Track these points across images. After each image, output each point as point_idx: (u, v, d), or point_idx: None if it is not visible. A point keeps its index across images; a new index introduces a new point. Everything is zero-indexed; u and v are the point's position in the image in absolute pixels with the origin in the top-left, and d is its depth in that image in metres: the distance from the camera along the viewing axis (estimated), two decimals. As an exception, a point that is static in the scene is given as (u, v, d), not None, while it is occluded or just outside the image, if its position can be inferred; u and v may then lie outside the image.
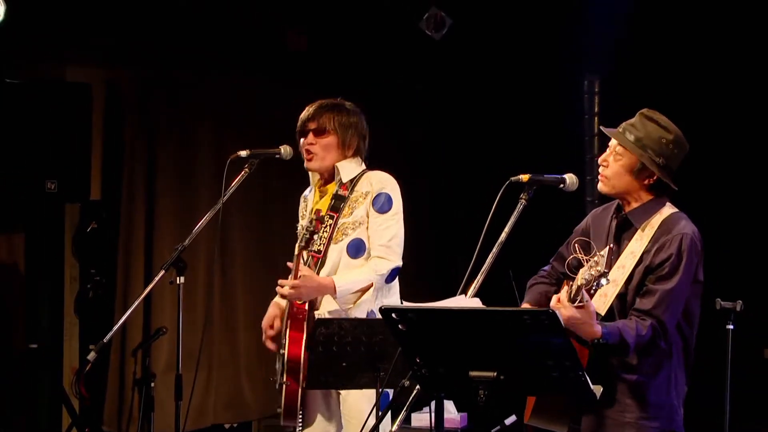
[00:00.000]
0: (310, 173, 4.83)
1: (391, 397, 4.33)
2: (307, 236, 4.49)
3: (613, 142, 3.89)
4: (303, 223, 4.79)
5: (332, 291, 4.53)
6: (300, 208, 4.90)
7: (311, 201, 4.80)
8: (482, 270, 3.78)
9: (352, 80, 7.36)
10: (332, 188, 4.72)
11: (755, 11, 6.48)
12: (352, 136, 4.71)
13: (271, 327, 4.71)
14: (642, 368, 3.75)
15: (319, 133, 4.68)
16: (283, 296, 4.56)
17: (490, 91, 7.65)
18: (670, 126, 3.85)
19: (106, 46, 7.25)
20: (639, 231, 3.82)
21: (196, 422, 7.33)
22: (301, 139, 4.74)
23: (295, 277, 4.49)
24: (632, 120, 3.88)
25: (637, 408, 3.75)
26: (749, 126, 6.67)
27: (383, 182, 4.67)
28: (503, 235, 3.82)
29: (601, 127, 3.98)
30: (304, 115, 4.75)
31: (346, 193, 4.66)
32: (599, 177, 3.91)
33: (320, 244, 4.65)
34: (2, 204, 6.80)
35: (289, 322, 4.57)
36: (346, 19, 7.37)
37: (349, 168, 4.70)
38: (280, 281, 4.51)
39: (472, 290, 3.77)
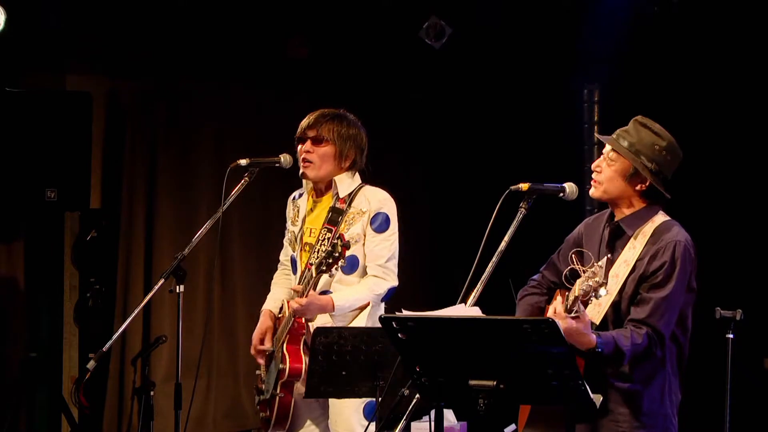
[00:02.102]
0: (304, 179, 4.83)
1: (375, 405, 4.35)
2: (330, 261, 4.37)
3: (606, 148, 3.91)
4: (293, 228, 4.78)
5: (331, 309, 4.55)
6: (289, 209, 4.89)
7: (303, 208, 4.79)
8: (482, 279, 3.78)
9: (351, 89, 7.37)
10: (327, 201, 4.72)
11: (755, 17, 6.48)
12: (350, 148, 4.70)
13: (262, 341, 4.73)
14: (636, 377, 3.75)
15: (318, 141, 4.68)
16: (293, 309, 4.55)
17: (489, 100, 7.65)
18: (664, 133, 3.86)
19: (106, 55, 7.27)
20: (632, 239, 3.82)
21: (196, 431, 7.32)
22: (299, 146, 4.75)
23: (306, 295, 4.50)
24: (626, 127, 3.91)
25: (632, 417, 3.75)
26: (749, 135, 6.67)
27: (382, 202, 4.66)
28: (503, 244, 3.83)
29: (596, 135, 4.00)
30: (304, 122, 4.75)
31: (344, 206, 4.66)
32: (592, 182, 3.91)
33: (317, 256, 4.66)
34: (2, 212, 6.80)
35: (287, 336, 4.59)
36: (346, 28, 7.39)
37: (346, 182, 4.71)
38: (296, 299, 4.52)
39: (471, 299, 3.77)
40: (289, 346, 4.58)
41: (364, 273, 4.65)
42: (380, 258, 4.59)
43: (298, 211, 4.81)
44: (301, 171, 4.73)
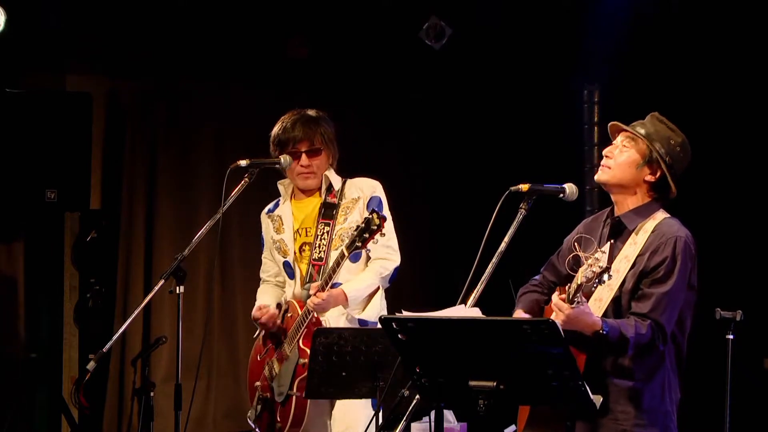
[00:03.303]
0: (281, 187, 4.87)
1: (377, 402, 4.35)
2: (366, 236, 4.37)
3: (619, 138, 3.91)
4: (279, 237, 4.80)
5: (344, 301, 4.58)
6: (266, 224, 4.92)
7: (288, 214, 4.81)
8: (482, 279, 3.78)
9: (351, 89, 7.38)
10: (315, 199, 4.77)
11: (755, 17, 6.48)
12: (335, 147, 4.84)
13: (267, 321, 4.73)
14: (636, 374, 3.75)
15: (314, 153, 4.76)
16: (314, 306, 4.55)
17: (489, 101, 7.65)
18: (678, 131, 3.91)
19: (106, 55, 7.27)
20: (633, 235, 3.83)
21: (196, 432, 7.33)
22: (285, 156, 4.75)
23: (323, 288, 4.52)
24: (642, 120, 3.92)
25: (633, 415, 3.75)
26: (749, 135, 6.66)
27: (374, 186, 4.77)
28: (503, 245, 3.83)
29: (611, 123, 3.98)
30: (290, 134, 4.76)
31: (335, 200, 4.71)
32: (600, 167, 3.90)
33: (320, 251, 4.67)
34: (2, 213, 6.80)
35: (305, 331, 4.59)
36: (346, 28, 7.39)
37: (334, 177, 4.82)
38: (317, 294, 4.52)
39: (471, 300, 3.77)
40: (305, 341, 4.58)
41: (368, 259, 4.71)
42: (381, 239, 4.60)
43: (281, 219, 4.84)
44: (301, 182, 4.79)
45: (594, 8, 6.82)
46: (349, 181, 4.80)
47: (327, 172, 4.79)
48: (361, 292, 4.65)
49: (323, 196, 4.77)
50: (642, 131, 3.87)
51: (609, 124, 3.99)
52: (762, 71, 6.54)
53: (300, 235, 4.78)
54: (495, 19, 6.97)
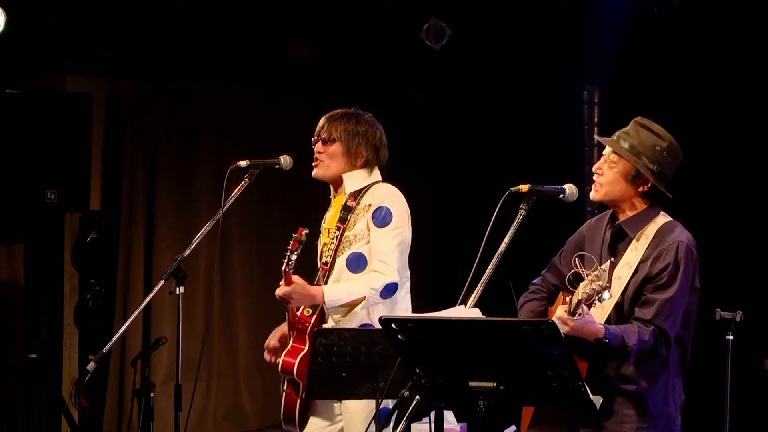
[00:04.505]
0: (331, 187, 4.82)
1: (391, 408, 4.32)
2: (287, 253, 4.35)
3: (607, 150, 3.91)
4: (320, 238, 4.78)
5: (321, 300, 4.48)
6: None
7: (327, 215, 4.76)
8: (482, 280, 3.77)
9: (351, 89, 7.37)
10: (341, 199, 4.70)
11: (755, 18, 6.49)
12: (359, 145, 4.63)
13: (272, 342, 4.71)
14: (640, 378, 3.75)
15: (327, 141, 4.64)
16: (278, 297, 4.52)
17: (489, 101, 7.66)
18: (664, 134, 3.87)
19: (106, 55, 7.28)
20: (634, 241, 3.82)
21: (196, 432, 7.33)
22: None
23: (286, 284, 4.45)
24: (626, 128, 3.90)
25: (636, 418, 3.74)
26: (749, 135, 6.67)
27: (384, 196, 4.59)
28: (503, 246, 3.82)
29: (595, 137, 3.99)
30: (318, 124, 4.73)
31: (354, 204, 4.63)
32: (593, 186, 3.91)
33: (328, 255, 4.63)
34: (2, 214, 6.80)
35: (293, 333, 4.56)
36: (346, 28, 7.39)
37: (355, 179, 4.65)
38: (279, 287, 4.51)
39: (471, 300, 3.76)
40: (294, 342, 4.55)
41: None
42: (380, 252, 4.50)
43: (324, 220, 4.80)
44: (313, 173, 4.70)
45: (594, 8, 6.83)
46: (373, 186, 4.64)
47: (345, 174, 4.64)
48: (340, 297, 4.46)
49: (345, 198, 4.65)
50: (625, 145, 3.83)
51: (594, 138, 3.98)
52: (762, 71, 6.54)
53: (323, 236, 4.72)
54: (495, 19, 6.97)
